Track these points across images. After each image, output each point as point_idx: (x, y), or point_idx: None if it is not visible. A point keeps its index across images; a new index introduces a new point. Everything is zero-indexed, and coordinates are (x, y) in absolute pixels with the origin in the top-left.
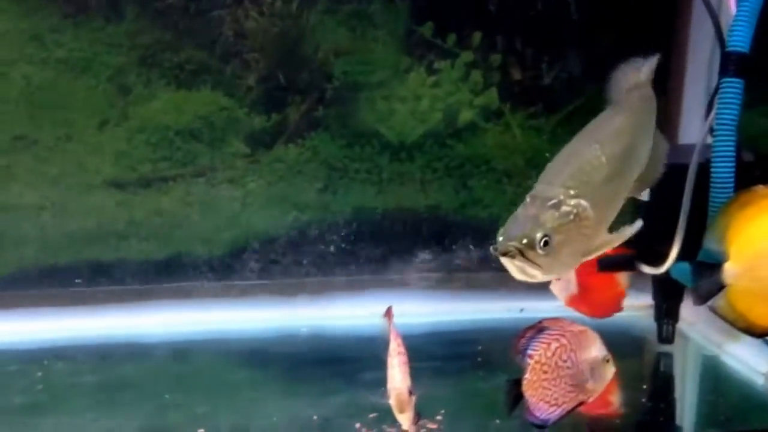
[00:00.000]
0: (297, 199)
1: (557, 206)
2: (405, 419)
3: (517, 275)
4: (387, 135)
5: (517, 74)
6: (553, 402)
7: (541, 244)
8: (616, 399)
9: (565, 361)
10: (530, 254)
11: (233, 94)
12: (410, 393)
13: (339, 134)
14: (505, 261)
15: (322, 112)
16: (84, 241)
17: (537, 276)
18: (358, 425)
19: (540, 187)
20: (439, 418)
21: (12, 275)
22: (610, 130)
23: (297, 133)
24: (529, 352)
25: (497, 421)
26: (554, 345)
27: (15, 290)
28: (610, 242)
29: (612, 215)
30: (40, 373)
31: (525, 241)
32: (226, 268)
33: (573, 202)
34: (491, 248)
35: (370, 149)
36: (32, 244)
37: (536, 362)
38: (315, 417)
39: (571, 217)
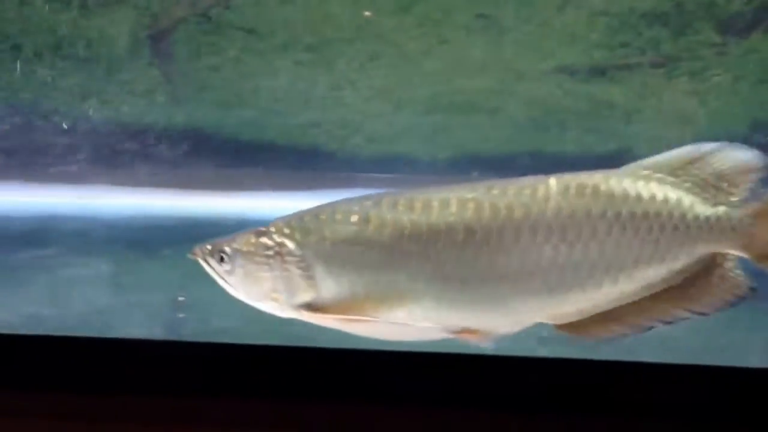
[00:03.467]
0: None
1: (260, 234)
2: None
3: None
4: None
5: None
6: None
7: (217, 257)
8: None
9: None
10: (210, 261)
11: None
12: None
13: None
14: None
15: None
16: (527, 131)
17: (229, 290)
18: None
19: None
20: None
21: (447, 161)
22: (448, 195)
23: None
24: None
25: None
26: None
27: (451, 175)
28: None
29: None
30: None
31: (209, 247)
32: None
33: (279, 239)
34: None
35: None
36: (474, 130)
37: None
38: None
39: (270, 252)
